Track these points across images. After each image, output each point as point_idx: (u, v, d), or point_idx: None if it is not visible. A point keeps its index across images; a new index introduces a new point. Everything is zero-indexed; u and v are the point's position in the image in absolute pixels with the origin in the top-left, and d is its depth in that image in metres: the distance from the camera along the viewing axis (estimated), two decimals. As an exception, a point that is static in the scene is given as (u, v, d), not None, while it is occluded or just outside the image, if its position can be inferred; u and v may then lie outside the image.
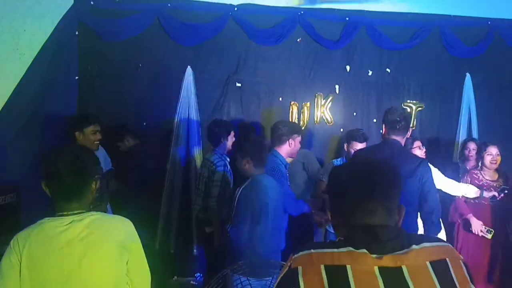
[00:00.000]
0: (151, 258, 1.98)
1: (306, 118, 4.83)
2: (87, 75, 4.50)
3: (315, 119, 4.87)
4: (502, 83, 5.21)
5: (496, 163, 4.02)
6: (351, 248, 1.14)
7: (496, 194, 3.89)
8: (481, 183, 4.02)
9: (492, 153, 4.02)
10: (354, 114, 4.92)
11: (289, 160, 3.58)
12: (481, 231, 3.89)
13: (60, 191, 1.76)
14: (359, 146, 3.90)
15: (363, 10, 4.88)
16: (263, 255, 2.62)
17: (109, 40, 4.52)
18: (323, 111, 4.86)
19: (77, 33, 4.45)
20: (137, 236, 1.84)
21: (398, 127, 2.98)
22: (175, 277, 4.47)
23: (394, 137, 3.00)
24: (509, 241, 4.08)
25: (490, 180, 4.03)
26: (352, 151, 3.83)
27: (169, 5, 4.56)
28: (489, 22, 5.09)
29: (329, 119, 4.86)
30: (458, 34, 5.02)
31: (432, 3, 4.94)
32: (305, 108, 4.83)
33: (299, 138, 3.54)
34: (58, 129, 4.03)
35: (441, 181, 3.72)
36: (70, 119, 3.71)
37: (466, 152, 4.56)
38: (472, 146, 4.55)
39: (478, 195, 3.88)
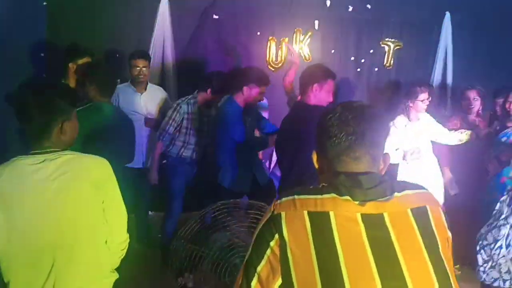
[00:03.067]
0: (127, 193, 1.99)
1: (284, 54, 4.76)
2: (56, 0, 4.26)
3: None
4: (481, 24, 5.17)
5: (472, 107, 4.12)
6: (334, 195, 1.15)
7: (491, 130, 3.90)
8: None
9: (470, 97, 4.11)
10: (332, 51, 4.87)
11: None
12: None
13: (28, 128, 1.73)
14: None
15: None
16: None
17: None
18: (301, 47, 4.78)
19: (43, -44, 4.16)
20: (113, 175, 1.83)
21: None
22: (151, 212, 4.53)
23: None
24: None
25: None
26: None
27: None
28: (473, -41, 4.97)
29: (307, 56, 4.81)
30: (441, -30, 4.91)
31: None
32: (283, 43, 4.75)
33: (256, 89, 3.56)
34: (27, 58, 3.90)
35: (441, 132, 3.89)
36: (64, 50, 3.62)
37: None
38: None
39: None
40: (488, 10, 5.08)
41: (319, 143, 1.27)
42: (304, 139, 2.49)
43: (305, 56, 4.81)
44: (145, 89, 4.07)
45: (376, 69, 5.06)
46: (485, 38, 5.14)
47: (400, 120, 3.88)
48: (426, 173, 3.80)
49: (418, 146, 3.76)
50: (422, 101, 3.77)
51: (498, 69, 5.09)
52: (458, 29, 5.10)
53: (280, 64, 4.77)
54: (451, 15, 5.06)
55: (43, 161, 1.69)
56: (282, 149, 3.13)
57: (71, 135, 1.83)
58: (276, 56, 4.77)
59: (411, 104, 3.80)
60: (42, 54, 4.14)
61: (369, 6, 4.88)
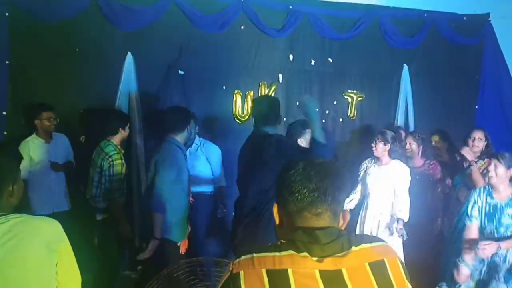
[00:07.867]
0: (91, 253, 1.91)
1: (249, 107, 4.83)
2: (19, 59, 4.24)
3: (259, 108, 4.87)
4: (437, 74, 5.45)
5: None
6: (292, 251, 1.15)
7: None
8: None
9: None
10: (297, 103, 4.97)
11: None
12: None
13: None
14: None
15: (306, -1, 4.90)
16: None
17: (43, 21, 4.26)
18: (266, 99, 4.87)
19: (7, 14, 4.16)
20: (65, 236, 1.77)
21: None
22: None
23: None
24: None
25: None
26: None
27: (107, -14, 4.36)
28: (425, 14, 5.28)
29: (272, 108, 4.88)
30: (397, 25, 5.18)
31: (373, -6, 5.04)
32: (249, 97, 4.83)
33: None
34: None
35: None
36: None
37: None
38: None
39: None
40: (441, 60, 5.41)
41: (281, 197, 1.27)
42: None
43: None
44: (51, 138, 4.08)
45: (340, 119, 5.19)
46: (440, 84, 5.43)
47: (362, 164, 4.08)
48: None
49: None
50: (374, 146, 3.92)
51: (456, 113, 5.41)
52: (416, 78, 5.33)
53: (246, 117, 4.83)
54: (409, 66, 5.30)
55: None
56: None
57: (18, 196, 1.78)
58: (242, 109, 4.83)
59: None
60: (4, 113, 4.07)
61: (330, 59, 5.07)
